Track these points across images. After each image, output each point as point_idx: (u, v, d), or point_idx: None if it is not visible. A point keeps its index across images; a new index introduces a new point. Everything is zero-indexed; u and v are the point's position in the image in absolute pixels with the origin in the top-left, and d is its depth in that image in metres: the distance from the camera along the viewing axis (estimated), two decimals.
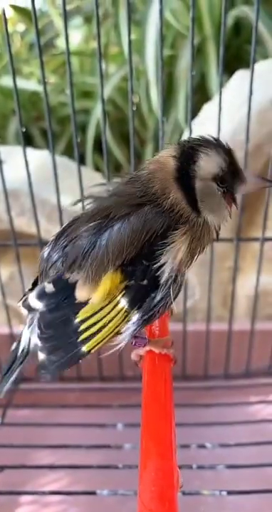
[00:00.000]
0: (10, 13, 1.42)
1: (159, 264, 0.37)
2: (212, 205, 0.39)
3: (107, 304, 0.38)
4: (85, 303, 0.38)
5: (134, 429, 0.61)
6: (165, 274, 0.37)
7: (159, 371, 0.40)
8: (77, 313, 0.39)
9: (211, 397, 0.72)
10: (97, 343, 0.39)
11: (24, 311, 0.43)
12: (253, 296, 0.69)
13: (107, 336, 0.39)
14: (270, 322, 0.73)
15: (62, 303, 0.39)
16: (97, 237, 0.38)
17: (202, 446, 0.59)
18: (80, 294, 0.38)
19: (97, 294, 0.38)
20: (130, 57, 0.53)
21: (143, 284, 0.37)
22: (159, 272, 0.37)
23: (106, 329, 0.38)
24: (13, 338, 0.68)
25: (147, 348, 0.43)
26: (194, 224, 0.38)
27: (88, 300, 0.38)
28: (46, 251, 0.42)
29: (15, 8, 1.43)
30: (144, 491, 0.28)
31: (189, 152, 0.38)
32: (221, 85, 0.56)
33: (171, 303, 0.39)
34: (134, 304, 0.38)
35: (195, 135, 0.40)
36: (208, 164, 0.38)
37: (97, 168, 1.24)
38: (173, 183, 0.38)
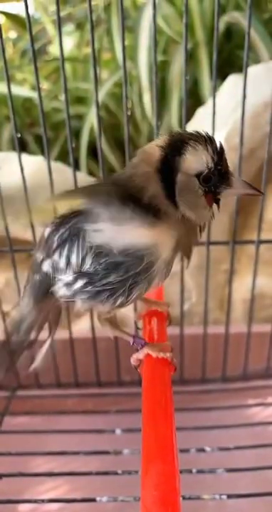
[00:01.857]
0: (2, 20, 1.43)
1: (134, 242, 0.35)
2: (190, 202, 0.37)
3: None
4: None
5: (133, 434, 0.61)
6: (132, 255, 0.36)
7: (159, 375, 0.39)
8: None
9: (209, 400, 0.72)
10: None
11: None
12: (249, 299, 0.69)
13: None
14: (266, 324, 0.73)
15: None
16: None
17: (201, 450, 0.59)
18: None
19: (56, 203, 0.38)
20: (124, 63, 0.53)
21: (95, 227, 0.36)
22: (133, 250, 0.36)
23: None
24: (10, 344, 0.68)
25: (145, 351, 0.43)
26: (174, 220, 0.37)
27: None
28: None
29: (7, 15, 1.43)
30: (147, 495, 0.28)
31: (177, 144, 0.36)
32: (215, 89, 0.56)
33: (124, 301, 0.38)
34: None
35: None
36: (193, 158, 0.35)
37: (91, 173, 1.25)
38: (154, 175, 0.36)
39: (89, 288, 0.38)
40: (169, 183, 0.36)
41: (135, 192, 0.35)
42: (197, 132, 0.37)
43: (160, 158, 0.36)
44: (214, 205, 0.38)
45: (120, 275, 0.37)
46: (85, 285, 0.38)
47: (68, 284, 0.39)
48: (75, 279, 0.38)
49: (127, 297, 0.38)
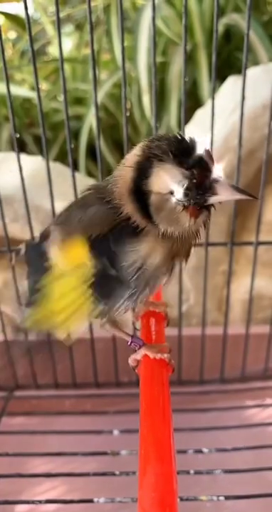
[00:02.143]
0: (1, 21, 1.43)
1: (127, 260, 0.35)
2: (169, 219, 0.35)
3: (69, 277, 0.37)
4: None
5: (131, 435, 0.61)
6: (133, 271, 0.36)
7: (156, 376, 0.39)
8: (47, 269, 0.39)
9: (207, 401, 0.71)
10: (40, 318, 0.37)
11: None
12: (247, 300, 0.69)
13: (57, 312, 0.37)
14: (264, 326, 0.73)
15: (37, 254, 0.41)
16: (71, 210, 0.40)
17: (199, 451, 0.59)
18: (50, 253, 0.39)
19: (64, 259, 0.37)
20: (124, 64, 0.53)
21: (110, 273, 0.36)
22: (127, 268, 0.36)
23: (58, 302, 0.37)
24: (8, 345, 0.68)
25: (143, 352, 0.43)
26: (156, 236, 0.36)
27: (56, 262, 0.38)
28: None
29: (6, 15, 1.43)
30: (144, 496, 0.28)
31: (145, 164, 0.34)
32: (214, 91, 0.56)
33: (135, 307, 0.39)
34: (96, 290, 0.37)
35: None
36: (161, 180, 0.33)
37: (90, 174, 1.25)
38: (128, 196, 0.35)
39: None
40: (143, 203, 0.35)
41: (115, 213, 0.36)
42: (168, 141, 0.34)
43: (131, 179, 0.35)
44: (205, 213, 0.36)
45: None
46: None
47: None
48: None
49: (134, 306, 0.40)
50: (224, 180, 0.34)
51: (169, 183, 0.33)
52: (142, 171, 0.34)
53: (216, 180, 0.34)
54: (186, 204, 0.34)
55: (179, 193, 0.33)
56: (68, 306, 0.37)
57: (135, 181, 0.35)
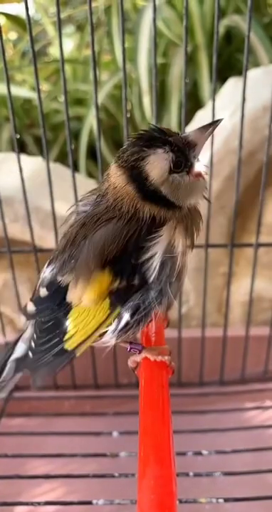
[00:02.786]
0: (2, 21, 1.43)
1: (146, 257, 0.36)
2: (185, 192, 0.38)
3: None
4: (77, 305, 0.39)
5: (130, 436, 0.61)
6: (155, 268, 0.37)
7: (156, 378, 0.39)
8: (68, 314, 0.39)
9: (206, 403, 0.71)
10: (79, 343, 0.40)
11: (23, 319, 0.44)
12: (247, 302, 0.69)
13: (89, 335, 0.39)
14: (264, 327, 0.73)
15: (55, 306, 0.40)
16: (80, 243, 0.38)
17: (198, 454, 0.59)
18: (72, 296, 0.39)
19: (87, 296, 0.38)
20: (124, 65, 0.53)
21: (132, 283, 0.37)
22: (147, 267, 0.37)
23: (88, 328, 0.39)
24: (7, 345, 0.68)
25: (143, 354, 0.43)
26: (180, 216, 0.38)
27: (80, 302, 0.39)
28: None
29: (7, 16, 1.43)
30: (143, 499, 0.28)
31: (135, 170, 0.37)
32: (215, 92, 0.56)
33: (172, 301, 0.39)
34: (119, 302, 0.38)
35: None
36: (156, 170, 0.36)
37: (90, 175, 1.25)
38: (143, 203, 0.37)
39: None
40: (153, 197, 0.37)
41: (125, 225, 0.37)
42: (138, 142, 0.37)
43: (136, 190, 0.37)
44: (203, 169, 0.39)
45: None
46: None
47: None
48: None
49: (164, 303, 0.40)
50: (193, 132, 0.38)
51: (162, 165, 0.36)
52: (138, 179, 0.37)
53: (188, 139, 0.38)
54: (187, 169, 0.38)
55: (175, 165, 0.37)
56: (97, 327, 0.39)
57: (139, 188, 0.37)
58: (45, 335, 0.41)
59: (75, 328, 0.39)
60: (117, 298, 0.38)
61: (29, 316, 0.43)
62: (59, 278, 0.40)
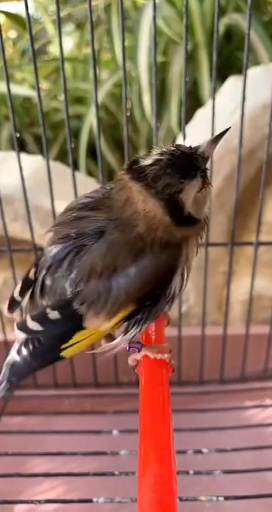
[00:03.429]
0: (2, 20, 1.43)
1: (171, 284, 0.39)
2: (203, 204, 0.40)
3: None
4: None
5: (130, 435, 0.61)
6: (173, 287, 0.39)
7: (156, 376, 0.39)
8: (76, 332, 0.40)
9: (206, 402, 0.71)
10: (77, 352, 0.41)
11: (20, 335, 0.42)
12: (247, 301, 0.69)
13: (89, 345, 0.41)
14: (264, 326, 0.73)
15: (67, 328, 0.40)
16: (110, 277, 0.38)
17: (198, 452, 0.59)
18: (90, 324, 0.39)
19: (109, 324, 0.39)
20: (124, 64, 0.53)
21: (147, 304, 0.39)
22: (168, 291, 0.39)
23: (92, 338, 0.40)
24: (7, 344, 0.68)
25: (143, 352, 0.43)
26: (199, 227, 0.40)
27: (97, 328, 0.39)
28: (53, 249, 0.41)
29: (7, 14, 1.43)
30: (144, 497, 0.28)
31: (172, 202, 0.37)
32: (215, 91, 0.56)
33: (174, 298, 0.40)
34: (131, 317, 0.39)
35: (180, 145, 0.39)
36: (191, 198, 0.37)
37: (90, 173, 1.25)
38: (177, 230, 0.38)
39: None
40: (186, 221, 0.38)
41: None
42: (173, 162, 0.37)
43: (169, 217, 0.37)
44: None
45: None
46: None
47: None
48: None
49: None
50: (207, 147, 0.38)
51: (194, 192, 0.38)
52: (176, 208, 0.37)
53: (196, 150, 0.38)
54: (204, 186, 0.39)
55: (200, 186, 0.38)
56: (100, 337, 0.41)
57: (174, 217, 0.37)
58: (46, 346, 0.41)
59: (78, 338, 0.40)
60: (131, 316, 0.39)
61: (31, 333, 0.41)
62: (75, 305, 0.39)
